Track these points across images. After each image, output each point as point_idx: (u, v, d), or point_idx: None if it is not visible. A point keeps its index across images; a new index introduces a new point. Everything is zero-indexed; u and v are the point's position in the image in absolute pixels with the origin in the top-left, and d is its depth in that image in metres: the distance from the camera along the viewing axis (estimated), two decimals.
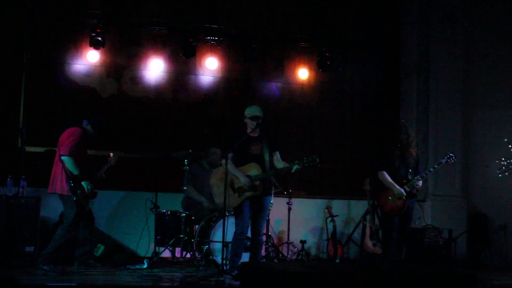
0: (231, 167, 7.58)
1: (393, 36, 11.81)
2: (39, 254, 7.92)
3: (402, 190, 7.96)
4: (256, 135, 7.75)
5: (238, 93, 10.96)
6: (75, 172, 7.73)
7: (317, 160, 7.44)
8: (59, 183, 7.83)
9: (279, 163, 7.69)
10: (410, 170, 8.10)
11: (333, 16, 11.49)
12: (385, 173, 8.12)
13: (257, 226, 7.71)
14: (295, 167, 7.45)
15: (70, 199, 7.76)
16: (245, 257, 7.96)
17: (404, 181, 8.04)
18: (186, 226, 8.95)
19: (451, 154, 8.18)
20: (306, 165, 7.46)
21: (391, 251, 8.09)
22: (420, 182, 8.06)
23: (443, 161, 8.15)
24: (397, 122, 8.32)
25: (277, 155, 7.76)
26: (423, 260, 9.69)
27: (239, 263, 7.50)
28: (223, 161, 7.54)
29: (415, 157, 8.23)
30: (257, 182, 7.59)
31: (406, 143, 8.13)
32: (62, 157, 7.75)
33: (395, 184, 8.02)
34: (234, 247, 7.66)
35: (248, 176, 7.59)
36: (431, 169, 8.30)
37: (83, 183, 7.79)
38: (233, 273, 7.42)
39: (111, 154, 8.33)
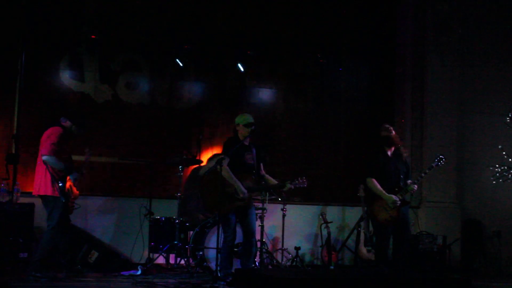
0: (228, 173, 7.56)
1: (388, 42, 11.85)
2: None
3: (394, 197, 7.78)
4: (247, 143, 7.80)
5: (233, 99, 10.96)
6: (61, 168, 7.52)
7: (306, 183, 7.66)
8: (43, 184, 7.57)
9: (267, 177, 7.86)
10: (401, 177, 7.93)
11: (328, 22, 11.50)
12: (374, 180, 7.93)
13: (249, 226, 7.74)
14: (288, 186, 7.66)
15: (56, 201, 7.53)
16: (237, 263, 7.98)
17: (396, 189, 7.85)
18: (180, 233, 8.94)
19: (440, 156, 8.01)
20: (298, 185, 7.66)
21: (383, 261, 7.94)
22: (415, 186, 7.96)
23: (434, 164, 7.99)
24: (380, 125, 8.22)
25: (260, 166, 7.91)
26: (417, 266, 9.69)
27: (232, 270, 7.55)
28: (218, 167, 7.53)
29: (405, 161, 8.06)
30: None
31: (390, 141, 8.00)
32: (43, 157, 7.50)
33: (385, 193, 7.81)
34: (225, 255, 7.63)
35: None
36: (423, 174, 8.18)
37: (71, 176, 7.62)
38: (227, 280, 7.42)
39: (87, 150, 8.17)
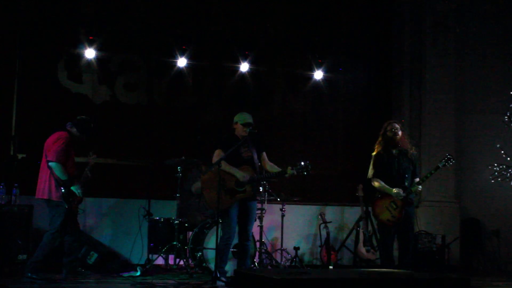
0: (225, 165, 7.53)
1: (385, 42, 11.85)
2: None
3: (399, 190, 7.64)
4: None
5: (232, 99, 10.95)
6: (63, 178, 7.53)
7: (309, 167, 7.51)
8: (47, 188, 7.60)
9: (269, 166, 7.78)
10: (407, 176, 7.78)
11: (326, 23, 11.50)
12: (378, 180, 7.84)
13: (246, 231, 7.70)
14: (290, 172, 7.52)
15: (60, 206, 7.57)
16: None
17: (401, 188, 7.73)
18: (180, 233, 8.93)
19: (448, 156, 7.85)
20: (300, 171, 7.52)
21: (388, 261, 7.87)
22: (420, 187, 7.83)
23: (440, 165, 7.82)
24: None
25: (263, 155, 7.85)
26: (416, 266, 9.69)
27: (226, 269, 7.56)
28: (216, 166, 7.49)
29: (411, 159, 7.90)
30: (248, 185, 7.62)
31: (394, 143, 7.87)
32: (50, 163, 7.54)
33: (388, 187, 7.71)
34: (220, 253, 7.56)
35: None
36: (428, 175, 7.93)
37: (72, 188, 7.63)
38: (223, 278, 7.41)
39: (90, 153, 8.17)
